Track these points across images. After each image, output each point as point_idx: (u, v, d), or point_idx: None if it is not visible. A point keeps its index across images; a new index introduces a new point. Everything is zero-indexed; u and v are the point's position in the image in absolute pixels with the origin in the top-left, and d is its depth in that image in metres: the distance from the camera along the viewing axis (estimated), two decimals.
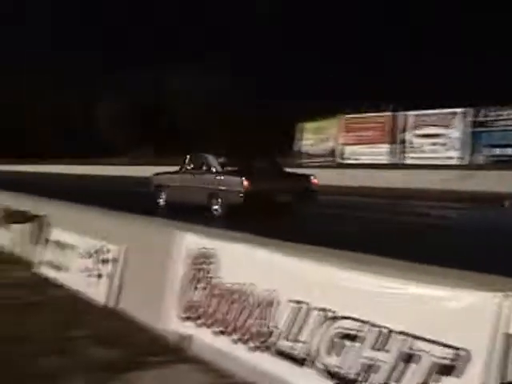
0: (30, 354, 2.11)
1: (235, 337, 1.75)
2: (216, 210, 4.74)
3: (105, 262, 3.02)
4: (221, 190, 4.69)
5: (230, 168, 4.89)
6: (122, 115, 33.06)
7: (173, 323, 2.18)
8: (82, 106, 32.91)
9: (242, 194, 4.46)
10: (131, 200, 5.40)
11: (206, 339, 1.95)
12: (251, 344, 1.66)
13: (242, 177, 4.59)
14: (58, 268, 3.51)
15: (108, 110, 32.99)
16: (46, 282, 3.47)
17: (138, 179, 10.00)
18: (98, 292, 2.97)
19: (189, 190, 4.99)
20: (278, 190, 4.39)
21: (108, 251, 3.04)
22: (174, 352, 2.14)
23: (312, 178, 4.80)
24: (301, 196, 4.41)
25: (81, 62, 26.90)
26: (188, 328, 2.07)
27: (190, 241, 2.21)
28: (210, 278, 2.02)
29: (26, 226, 4.27)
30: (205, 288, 2.04)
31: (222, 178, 4.84)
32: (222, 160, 5.11)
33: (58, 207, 4.29)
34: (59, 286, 3.33)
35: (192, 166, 5.31)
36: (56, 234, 3.80)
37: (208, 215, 4.71)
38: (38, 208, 4.26)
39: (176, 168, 5.30)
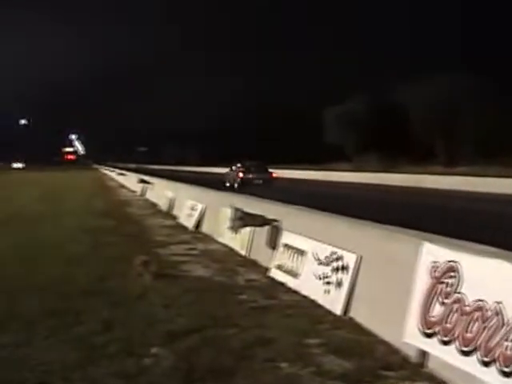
0: (270, 359, 2.82)
1: (479, 358, 2.11)
2: (232, 186, 19.40)
3: (338, 269, 3.67)
4: (232, 177, 20.73)
5: (240, 166, 21.17)
6: (355, 119, 40.72)
7: (411, 337, 2.65)
8: (312, 108, 46.04)
9: (239, 180, 20.10)
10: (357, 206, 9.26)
11: (445, 357, 2.35)
12: (498, 367, 2.01)
13: (239, 171, 20.42)
14: (290, 273, 4.59)
15: (343, 113, 41.59)
16: (279, 287, 4.62)
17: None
18: (331, 300, 3.67)
19: (226, 176, 21.87)
20: (256, 178, 19.73)
21: (342, 258, 3.65)
22: (411, 368, 2.61)
23: (272, 172, 20.76)
24: (265, 181, 19.03)
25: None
26: (426, 344, 2.52)
27: (433, 252, 2.62)
28: (453, 292, 2.38)
29: (260, 230, 5.71)
30: (445, 303, 2.41)
31: (234, 171, 21.23)
32: (246, 162, 21.77)
33: (289, 211, 5.56)
34: (291, 291, 4.40)
35: (234, 166, 22.10)
36: (288, 239, 4.91)
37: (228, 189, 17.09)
38: (270, 212, 5.66)
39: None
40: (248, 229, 5.98)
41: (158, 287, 4.50)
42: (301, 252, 4.44)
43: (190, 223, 9.08)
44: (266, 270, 5.12)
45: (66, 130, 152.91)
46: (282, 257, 4.83)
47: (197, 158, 73.02)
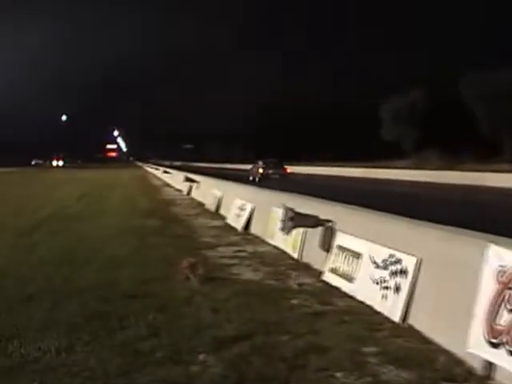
0: (324, 368, 2.91)
1: None
2: (254, 180, 26.14)
3: (397, 273, 3.74)
4: (254, 172, 28.40)
5: (261, 162, 29.29)
6: (413, 114, 42.23)
7: (475, 347, 2.70)
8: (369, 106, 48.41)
9: (259, 174, 27.22)
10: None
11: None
12: None
13: (260, 167, 28.29)
14: (345, 277, 4.73)
15: (401, 108, 43.31)
16: (333, 291, 4.74)
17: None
18: (389, 306, 3.74)
19: (250, 172, 28.87)
20: (273, 173, 27.17)
21: (400, 261, 3.69)
22: (476, 380, 2.64)
23: (285, 168, 28.74)
24: (281, 176, 26.56)
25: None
26: (493, 354, 2.57)
27: (500, 254, 2.65)
28: None
29: (313, 231, 5.85)
30: None
31: (255, 167, 29.27)
32: (267, 160, 30.18)
33: (343, 211, 5.69)
34: (346, 296, 4.52)
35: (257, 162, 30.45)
36: (343, 241, 5.04)
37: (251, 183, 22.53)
38: (325, 212, 5.78)
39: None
40: (300, 230, 6.12)
41: (206, 291, 4.70)
42: (356, 255, 4.54)
43: (238, 224, 9.37)
44: (320, 273, 5.25)
45: (109, 126, 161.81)
46: (336, 260, 4.95)
47: (243, 155, 76.20)
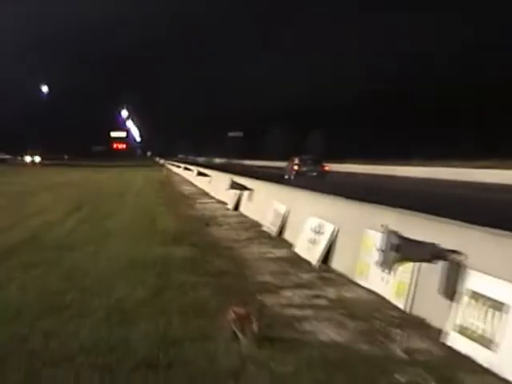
0: None
1: None
2: (289, 178, 37.15)
3: None
4: (288, 170, 40.58)
5: (296, 159, 41.30)
6: None
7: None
8: None
9: (294, 172, 38.79)
10: None
11: None
12: None
13: (294, 164, 40.23)
14: (481, 341, 4.71)
15: None
16: (462, 362, 4.74)
17: None
18: None
19: (286, 169, 41.51)
20: (310, 171, 38.28)
21: None
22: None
23: (324, 166, 40.51)
24: (319, 174, 37.81)
25: None
26: None
27: None
28: None
29: (429, 267, 5.88)
30: None
31: (290, 164, 41.82)
32: (304, 155, 43.74)
33: (479, 237, 5.63)
34: (484, 371, 4.49)
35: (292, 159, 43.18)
36: (479, 284, 5.01)
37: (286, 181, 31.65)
38: (446, 237, 5.78)
39: None
40: (409, 265, 6.15)
41: (263, 359, 4.77)
42: (500, 306, 4.52)
43: (313, 255, 9.53)
44: (439, 333, 5.26)
45: (115, 104, 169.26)
46: (467, 313, 4.94)
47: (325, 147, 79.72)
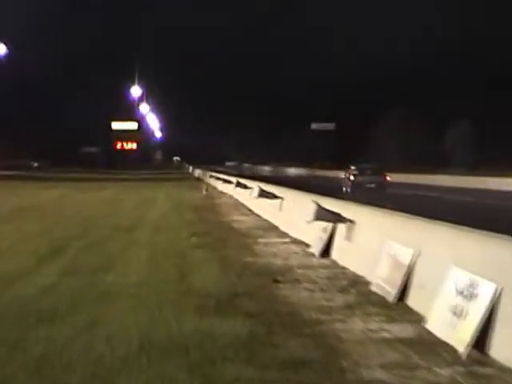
0: None
1: None
2: (347, 191, 64.51)
3: None
4: (345, 181, 68.91)
5: (353, 168, 67.68)
6: None
7: None
8: None
9: (350, 183, 63.74)
10: None
11: None
12: None
13: (350, 174, 65.63)
14: None
15: None
16: None
17: None
18: None
19: (342, 181, 69.37)
20: (368, 182, 61.32)
21: None
22: None
23: (385, 175, 64.29)
24: (378, 185, 60.60)
25: None
26: None
27: None
28: None
29: None
30: None
31: (346, 174, 70.74)
32: (362, 164, 69.64)
33: None
34: None
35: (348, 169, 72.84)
36: None
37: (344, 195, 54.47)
38: None
39: None
40: None
41: None
42: None
43: (458, 335, 9.51)
44: None
45: (120, 80, 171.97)
46: None
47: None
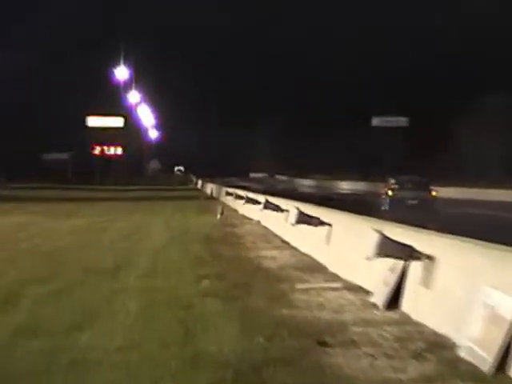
0: None
1: None
2: (383, 208, 78.49)
3: None
4: (383, 197, 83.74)
5: (392, 182, 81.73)
6: None
7: None
8: None
9: (388, 200, 76.30)
10: None
11: None
12: None
13: (389, 189, 78.70)
14: None
15: None
16: None
17: None
18: None
19: (381, 198, 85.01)
20: (410, 198, 73.40)
21: None
22: None
23: (431, 189, 76.76)
24: (422, 201, 72.60)
25: None
26: None
27: None
28: None
29: None
30: None
31: (384, 188, 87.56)
32: (402, 176, 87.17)
33: None
34: None
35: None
36: None
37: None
38: None
39: None
40: None
41: None
42: None
43: None
44: None
45: (100, 60, 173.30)
46: None
47: None
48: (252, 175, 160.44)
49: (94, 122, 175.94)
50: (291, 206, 40.10)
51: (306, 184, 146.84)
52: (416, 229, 20.36)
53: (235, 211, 61.73)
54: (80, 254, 30.41)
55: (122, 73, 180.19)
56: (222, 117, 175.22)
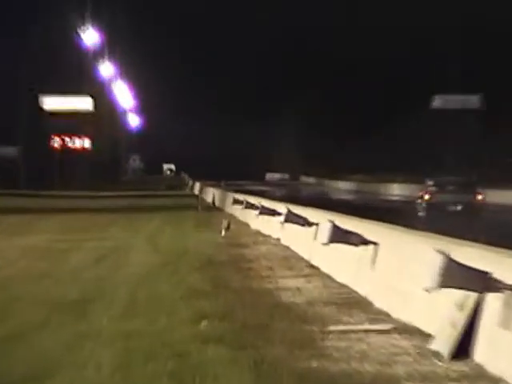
0: None
1: None
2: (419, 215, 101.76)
3: None
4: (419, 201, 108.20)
5: (431, 183, 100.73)
6: None
7: None
8: None
9: (424, 204, 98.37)
10: None
11: None
12: None
13: (426, 192, 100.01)
14: None
15: None
16: None
17: None
18: None
19: (418, 203, 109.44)
20: (452, 202, 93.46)
21: None
22: None
23: (477, 193, 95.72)
24: (467, 207, 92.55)
25: None
26: None
27: None
28: None
29: None
30: None
31: (422, 191, 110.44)
32: (442, 178, 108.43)
33: None
34: None
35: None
36: None
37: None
38: None
39: None
40: None
41: None
42: None
43: None
44: None
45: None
46: None
47: None
48: (268, 176, 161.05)
49: (52, 103, 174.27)
50: (322, 219, 40.08)
51: (342, 188, 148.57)
52: (495, 249, 19.99)
53: (246, 225, 61.84)
54: (36, 287, 30.48)
55: (91, 37, 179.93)
56: (221, 100, 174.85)
